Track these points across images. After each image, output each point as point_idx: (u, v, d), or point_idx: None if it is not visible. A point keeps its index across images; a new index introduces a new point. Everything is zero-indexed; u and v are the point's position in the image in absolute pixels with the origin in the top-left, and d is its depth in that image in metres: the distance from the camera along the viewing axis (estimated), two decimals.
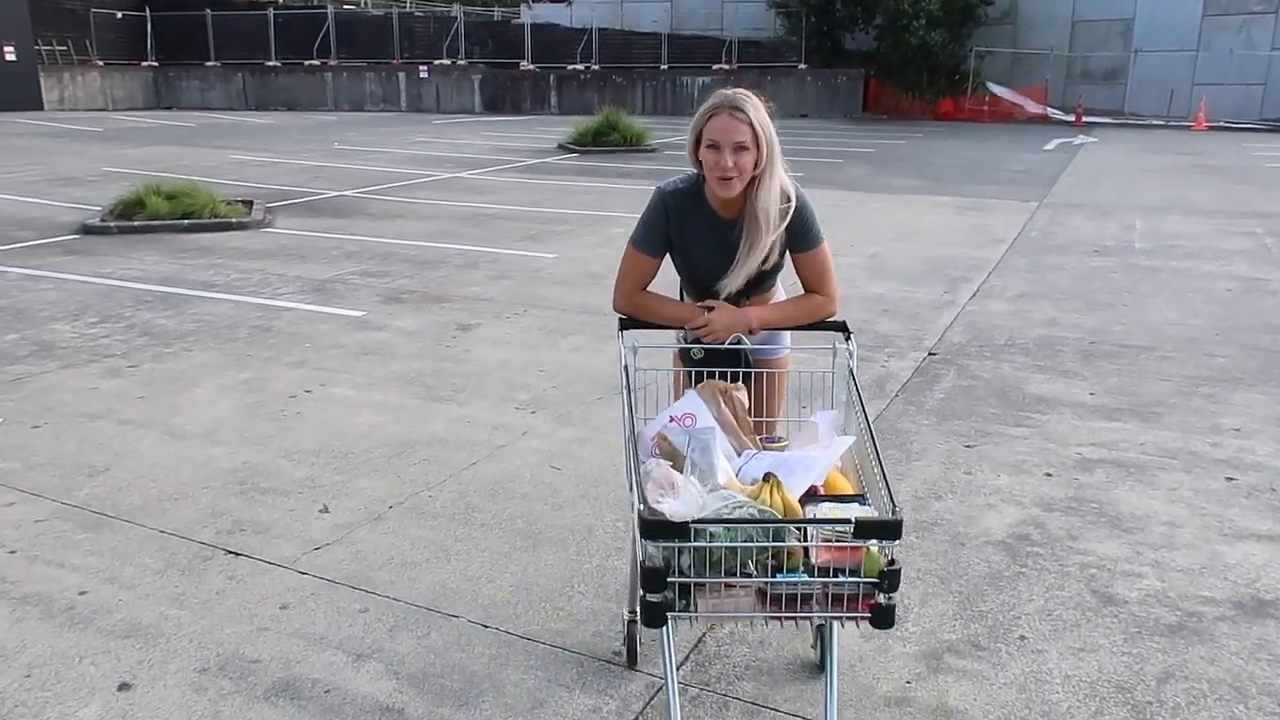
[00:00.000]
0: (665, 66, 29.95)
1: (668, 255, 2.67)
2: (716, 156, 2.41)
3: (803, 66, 28.70)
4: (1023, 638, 2.84)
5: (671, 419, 2.36)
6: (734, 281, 2.56)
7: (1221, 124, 24.44)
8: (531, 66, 31.06)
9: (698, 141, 2.48)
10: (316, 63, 32.49)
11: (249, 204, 10.73)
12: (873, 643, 2.80)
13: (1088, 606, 3.01)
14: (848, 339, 2.54)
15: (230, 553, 3.33)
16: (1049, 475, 4.00)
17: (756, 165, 2.44)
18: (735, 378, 2.56)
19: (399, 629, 2.89)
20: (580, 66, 30.66)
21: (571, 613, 2.99)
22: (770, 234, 2.49)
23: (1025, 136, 22.22)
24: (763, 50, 29.80)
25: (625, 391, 2.38)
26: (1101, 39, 27.53)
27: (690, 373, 2.65)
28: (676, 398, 2.67)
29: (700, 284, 2.68)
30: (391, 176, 14.14)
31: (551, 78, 30.66)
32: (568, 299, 6.94)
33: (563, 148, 18.46)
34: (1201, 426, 4.54)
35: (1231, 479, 3.95)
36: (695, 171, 2.57)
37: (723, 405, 2.42)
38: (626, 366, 2.44)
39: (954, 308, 6.77)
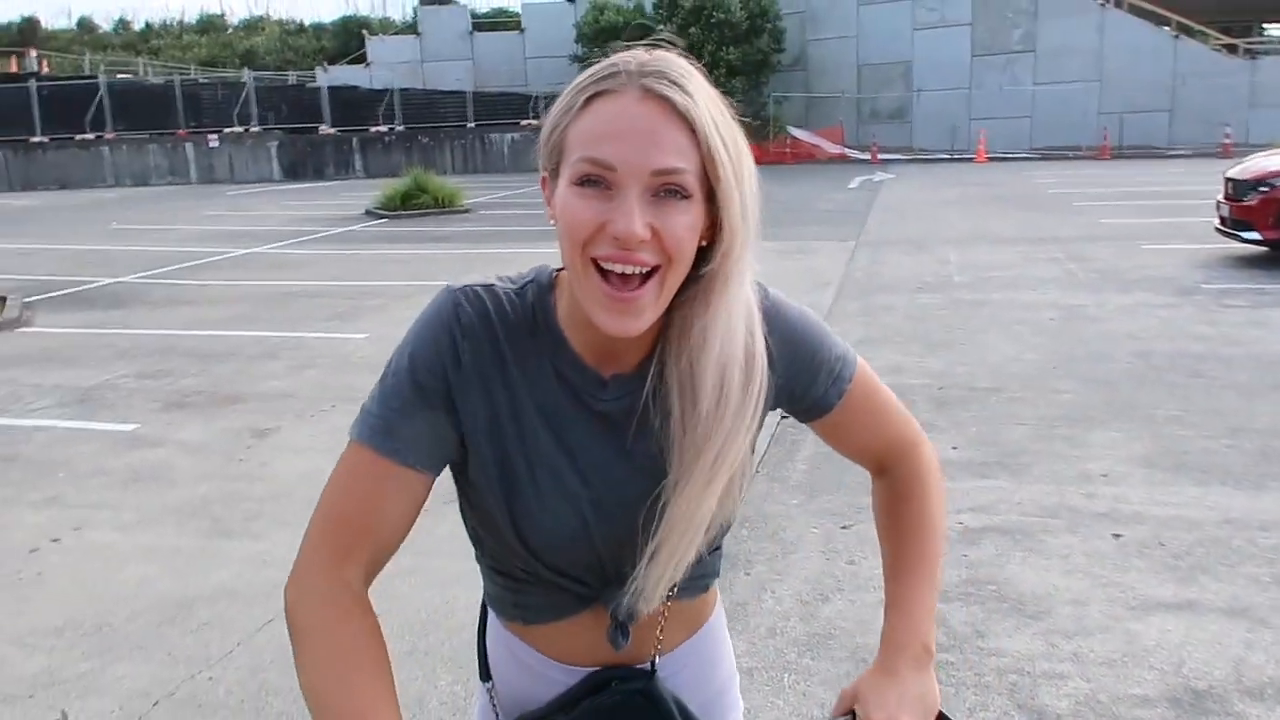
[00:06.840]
0: (472, 124, 29.39)
1: (450, 473, 1.07)
2: (605, 211, 0.91)
3: None
4: None
5: None
6: (654, 580, 1.00)
7: (999, 155, 26.26)
8: (332, 130, 29.75)
9: (554, 172, 0.96)
10: (90, 136, 29.87)
11: (1, 300, 9.32)
12: None
13: None
14: None
15: None
16: None
17: (712, 249, 0.97)
18: None
19: None
20: (384, 128, 29.63)
21: None
22: (735, 419, 0.99)
23: (829, 176, 23.04)
24: None
25: None
26: (886, 80, 29.18)
27: None
28: None
29: (553, 565, 1.05)
30: (178, 257, 12.82)
31: (354, 140, 29.48)
32: None
33: (370, 214, 17.51)
34: (1070, 475, 4.32)
35: (1119, 535, 3.71)
36: (531, 274, 1.09)
37: None
38: None
39: None
